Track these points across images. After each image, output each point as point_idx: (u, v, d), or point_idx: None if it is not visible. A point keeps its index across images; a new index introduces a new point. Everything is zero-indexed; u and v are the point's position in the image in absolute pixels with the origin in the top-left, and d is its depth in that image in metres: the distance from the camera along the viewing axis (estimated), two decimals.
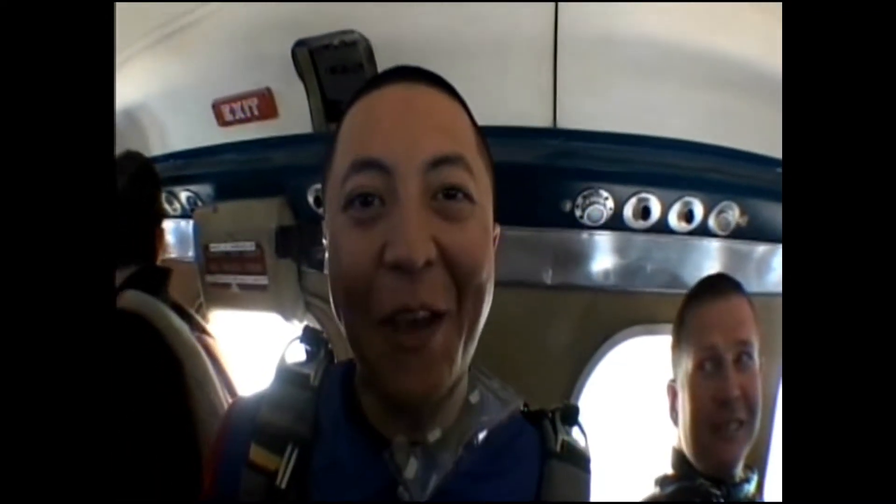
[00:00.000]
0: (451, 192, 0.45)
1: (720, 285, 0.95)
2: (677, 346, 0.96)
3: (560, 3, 1.04)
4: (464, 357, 0.47)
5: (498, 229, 0.53)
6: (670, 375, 0.99)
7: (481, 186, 0.48)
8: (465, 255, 0.45)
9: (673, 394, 0.98)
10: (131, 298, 0.98)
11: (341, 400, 0.52)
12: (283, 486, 0.48)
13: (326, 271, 0.49)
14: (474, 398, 0.51)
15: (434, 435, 0.48)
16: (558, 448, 0.53)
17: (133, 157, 1.15)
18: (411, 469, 0.46)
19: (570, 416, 0.57)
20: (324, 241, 0.53)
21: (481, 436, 0.50)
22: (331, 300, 0.48)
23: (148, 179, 1.13)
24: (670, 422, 0.98)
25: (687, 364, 0.92)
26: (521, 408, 0.55)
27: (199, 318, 1.17)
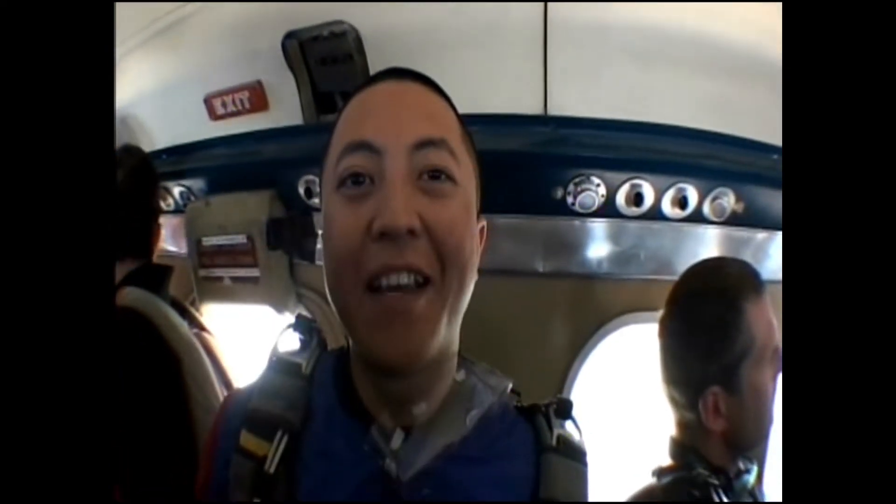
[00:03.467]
0: (435, 174, 0.48)
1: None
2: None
3: None
4: (448, 329, 0.49)
5: (484, 222, 0.55)
6: None
7: (463, 170, 0.51)
8: (448, 229, 0.47)
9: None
10: (130, 295, 0.99)
11: (334, 386, 0.54)
12: (272, 470, 0.50)
13: (320, 245, 0.52)
14: (460, 377, 0.53)
15: (419, 410, 0.50)
16: (554, 442, 0.55)
17: (132, 152, 1.15)
18: (396, 442, 0.49)
19: (564, 410, 0.58)
20: (317, 231, 0.54)
21: (471, 416, 0.51)
22: (324, 276, 0.50)
23: (147, 174, 1.13)
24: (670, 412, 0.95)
25: None
26: (510, 389, 0.56)
27: (197, 314, 1.17)
